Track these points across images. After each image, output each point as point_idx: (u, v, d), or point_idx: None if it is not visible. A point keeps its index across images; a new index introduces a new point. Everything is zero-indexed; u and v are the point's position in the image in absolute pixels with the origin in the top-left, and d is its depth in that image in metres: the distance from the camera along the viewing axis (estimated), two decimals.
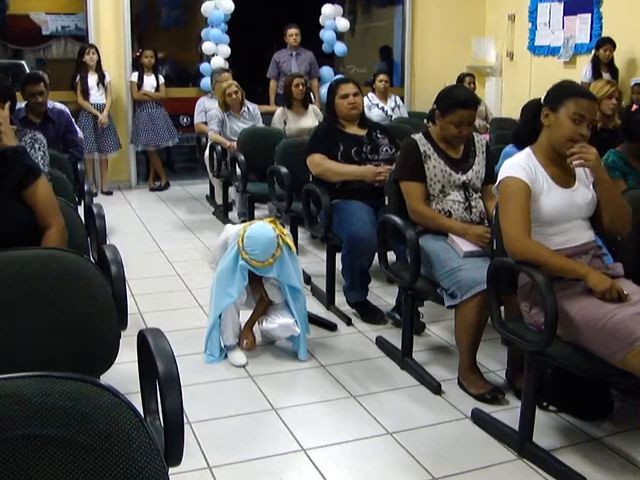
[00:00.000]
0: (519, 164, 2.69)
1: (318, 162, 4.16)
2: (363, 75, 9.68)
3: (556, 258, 2.60)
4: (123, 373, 2.49)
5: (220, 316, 3.49)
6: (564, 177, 2.73)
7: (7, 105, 3.53)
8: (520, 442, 2.73)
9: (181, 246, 5.67)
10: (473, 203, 3.42)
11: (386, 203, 3.60)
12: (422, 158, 3.39)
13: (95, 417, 1.18)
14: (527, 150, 2.77)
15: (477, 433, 2.91)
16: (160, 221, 6.56)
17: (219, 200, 6.76)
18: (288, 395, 3.23)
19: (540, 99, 2.85)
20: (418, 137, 3.47)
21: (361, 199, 4.07)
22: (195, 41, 9.40)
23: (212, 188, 7.12)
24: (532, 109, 3.16)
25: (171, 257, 5.34)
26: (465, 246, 3.21)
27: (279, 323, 3.53)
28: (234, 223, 6.17)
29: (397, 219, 3.36)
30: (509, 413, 3.00)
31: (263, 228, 3.39)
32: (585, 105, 2.63)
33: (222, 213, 6.57)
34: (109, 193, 7.70)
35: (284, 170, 4.78)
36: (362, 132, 4.28)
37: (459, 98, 3.38)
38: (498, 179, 2.75)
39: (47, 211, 2.61)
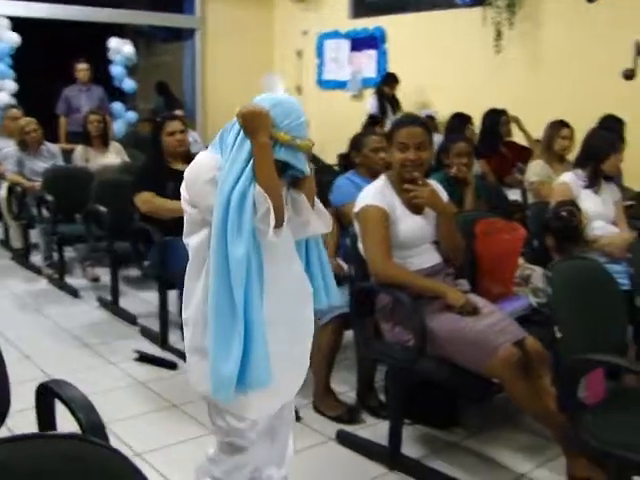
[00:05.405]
0: (376, 192, 2.84)
1: (147, 199, 4.07)
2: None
3: (417, 279, 2.79)
4: None
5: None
6: (415, 204, 2.87)
7: None
8: (390, 455, 2.87)
9: None
10: None
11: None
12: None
13: (93, 473, 1.11)
14: (382, 178, 2.92)
15: (345, 453, 3.00)
16: None
17: (16, 244, 6.33)
18: None
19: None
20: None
21: None
22: None
23: (6, 232, 6.63)
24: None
25: None
26: None
27: None
28: (38, 267, 5.81)
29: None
30: (369, 429, 3.14)
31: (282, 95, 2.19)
32: (404, 133, 2.81)
33: (22, 257, 6.16)
34: None
35: (103, 209, 4.64)
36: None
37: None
38: (356, 207, 2.87)
39: None
